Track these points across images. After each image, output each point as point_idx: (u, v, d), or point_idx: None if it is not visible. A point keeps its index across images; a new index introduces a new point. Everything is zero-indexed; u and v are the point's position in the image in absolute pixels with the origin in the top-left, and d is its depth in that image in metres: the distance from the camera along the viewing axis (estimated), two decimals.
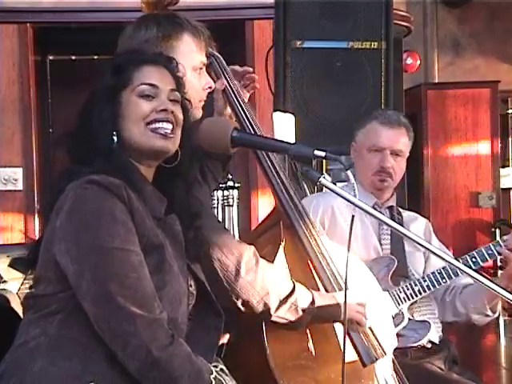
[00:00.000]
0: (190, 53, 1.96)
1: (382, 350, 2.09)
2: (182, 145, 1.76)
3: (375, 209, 2.68)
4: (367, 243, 2.69)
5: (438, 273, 2.62)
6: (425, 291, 2.62)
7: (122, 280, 1.54)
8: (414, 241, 1.70)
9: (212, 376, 1.64)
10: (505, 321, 6.10)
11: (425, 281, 2.63)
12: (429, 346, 2.65)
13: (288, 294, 1.91)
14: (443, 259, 1.70)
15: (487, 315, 2.67)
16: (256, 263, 1.89)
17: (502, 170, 7.02)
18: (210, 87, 2.04)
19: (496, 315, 2.70)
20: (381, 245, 2.70)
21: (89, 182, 1.59)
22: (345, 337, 1.74)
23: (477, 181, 6.79)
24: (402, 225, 2.67)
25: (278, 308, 1.89)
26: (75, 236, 1.56)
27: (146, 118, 1.69)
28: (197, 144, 1.79)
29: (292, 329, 1.95)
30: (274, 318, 1.91)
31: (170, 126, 1.71)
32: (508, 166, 7.50)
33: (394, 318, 2.54)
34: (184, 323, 1.70)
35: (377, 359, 2.07)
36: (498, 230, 6.63)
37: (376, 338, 2.09)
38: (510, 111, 7.57)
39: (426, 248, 1.76)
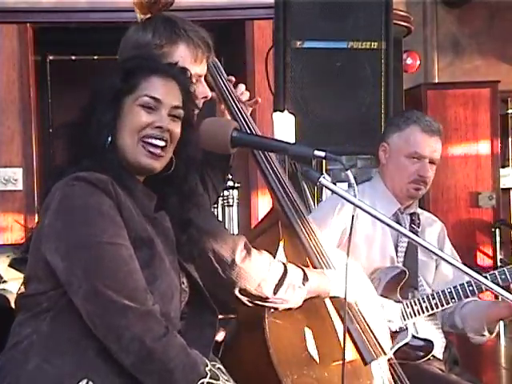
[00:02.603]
0: (183, 64, 1.92)
1: (382, 349, 2.09)
2: (178, 155, 1.75)
3: (397, 215, 2.67)
4: (384, 251, 2.65)
5: (448, 292, 2.57)
6: (432, 309, 2.57)
7: (113, 274, 1.54)
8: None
9: (207, 368, 1.61)
10: (505, 321, 6.10)
11: (433, 298, 2.57)
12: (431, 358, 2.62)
13: (282, 275, 1.92)
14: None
15: (483, 335, 2.64)
16: (249, 251, 1.91)
17: (502, 170, 7.01)
18: (206, 97, 2.03)
19: (492, 336, 2.65)
20: (397, 252, 2.66)
21: (75, 178, 1.59)
22: (345, 336, 1.74)
23: (477, 181, 6.78)
24: (418, 228, 2.68)
25: (276, 291, 1.90)
26: (64, 233, 1.57)
27: (141, 130, 1.68)
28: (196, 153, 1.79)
29: (290, 308, 1.96)
30: (273, 301, 1.91)
31: (162, 144, 1.69)
32: (508, 166, 7.50)
33: (397, 333, 2.51)
34: (177, 318, 1.70)
35: (377, 358, 2.08)
36: (497, 230, 6.63)
37: (375, 337, 2.09)
38: (510, 111, 7.56)
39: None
